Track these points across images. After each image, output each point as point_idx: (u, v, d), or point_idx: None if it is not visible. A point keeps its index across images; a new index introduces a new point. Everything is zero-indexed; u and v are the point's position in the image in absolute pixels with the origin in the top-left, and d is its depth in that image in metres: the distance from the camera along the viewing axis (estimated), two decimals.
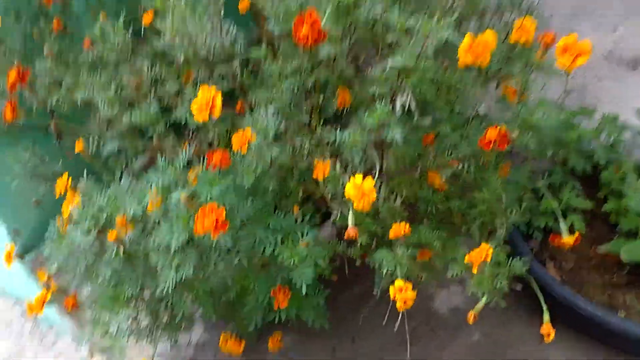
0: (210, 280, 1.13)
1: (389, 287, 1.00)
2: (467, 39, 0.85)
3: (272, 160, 1.08)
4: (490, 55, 0.87)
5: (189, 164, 1.08)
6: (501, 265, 1.00)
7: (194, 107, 0.92)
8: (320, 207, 1.23)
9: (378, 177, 1.10)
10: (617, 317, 1.26)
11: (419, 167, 1.08)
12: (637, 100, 1.80)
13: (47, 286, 1.21)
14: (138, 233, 1.07)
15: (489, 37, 0.85)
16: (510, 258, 1.02)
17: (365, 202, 0.87)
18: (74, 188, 1.14)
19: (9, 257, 1.24)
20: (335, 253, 1.17)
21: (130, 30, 1.22)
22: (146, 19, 1.17)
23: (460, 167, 1.03)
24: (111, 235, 0.96)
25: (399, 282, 0.92)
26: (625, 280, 1.39)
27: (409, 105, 0.95)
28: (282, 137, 1.16)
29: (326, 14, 0.96)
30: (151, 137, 1.17)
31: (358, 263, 1.18)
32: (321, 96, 1.23)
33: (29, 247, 1.65)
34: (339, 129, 1.38)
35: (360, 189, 0.87)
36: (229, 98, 1.28)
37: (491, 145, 0.92)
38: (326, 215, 1.19)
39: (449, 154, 1.03)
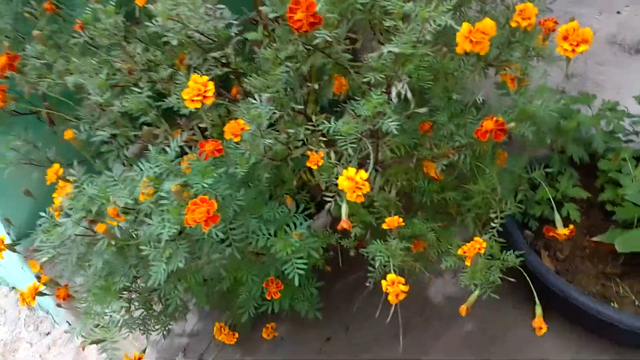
0: (203, 271, 1.12)
1: (382, 278, 1.00)
2: (465, 26, 0.82)
3: (266, 149, 1.07)
4: (490, 40, 0.85)
5: (182, 152, 1.07)
6: (495, 257, 0.99)
7: (185, 95, 0.90)
8: (315, 195, 1.22)
9: (373, 167, 1.08)
10: (610, 308, 1.26)
11: (414, 157, 1.06)
12: (639, 86, 1.78)
13: (39, 276, 1.20)
14: (129, 223, 1.06)
15: (488, 24, 0.82)
16: (504, 251, 1.00)
17: (359, 193, 0.86)
18: (65, 177, 1.12)
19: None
20: (330, 244, 1.16)
21: (123, 13, 1.19)
22: (139, 0, 1.14)
23: (456, 157, 1.01)
24: (100, 228, 0.95)
25: (391, 276, 0.91)
26: (620, 270, 1.39)
27: (405, 93, 0.93)
28: (277, 125, 1.14)
29: None
30: (143, 124, 1.15)
31: (352, 253, 1.17)
32: (317, 82, 1.21)
33: (22, 235, 1.64)
34: (335, 116, 1.37)
35: (353, 181, 0.85)
36: (224, 83, 1.26)
37: (487, 136, 0.90)
38: (321, 204, 1.18)
39: (445, 143, 1.01)
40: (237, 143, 0.99)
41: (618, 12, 2.16)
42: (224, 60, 1.14)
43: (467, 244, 0.92)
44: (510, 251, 1.02)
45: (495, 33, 1.02)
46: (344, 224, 0.95)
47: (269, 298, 1.11)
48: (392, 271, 0.97)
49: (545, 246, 1.46)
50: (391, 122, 0.92)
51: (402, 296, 0.91)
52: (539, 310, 0.98)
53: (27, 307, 1.91)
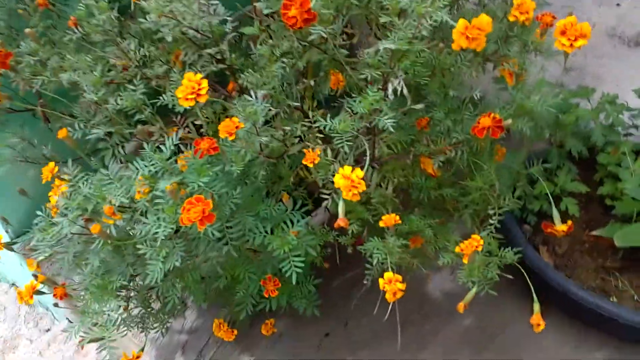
0: (200, 269, 1.12)
1: (380, 275, 0.99)
2: (461, 22, 0.81)
3: (262, 147, 1.06)
4: (488, 36, 0.84)
5: (178, 150, 1.06)
6: (492, 254, 0.98)
7: (179, 93, 0.89)
8: (313, 192, 1.21)
9: (370, 164, 1.08)
10: (609, 303, 1.26)
11: (411, 153, 1.06)
12: (639, 79, 1.76)
13: (37, 275, 1.20)
14: (126, 222, 1.06)
15: (484, 20, 0.81)
16: (502, 248, 1.00)
17: (355, 192, 0.85)
18: (60, 175, 1.12)
19: None
20: (327, 241, 1.15)
21: (116, 9, 1.18)
22: None
23: (453, 153, 1.01)
24: (94, 229, 0.94)
25: (388, 274, 0.90)
26: (619, 264, 1.39)
27: (402, 90, 0.92)
28: (273, 122, 1.13)
29: None
30: (138, 122, 1.14)
31: (350, 251, 1.16)
32: (314, 78, 1.20)
33: (20, 232, 1.64)
34: (332, 112, 1.36)
35: (349, 179, 0.85)
36: (220, 78, 1.25)
37: (484, 133, 0.90)
38: (319, 200, 1.18)
39: (442, 140, 1.01)
40: (232, 141, 0.98)
41: (618, 5, 2.14)
42: (218, 57, 1.13)
43: (465, 241, 0.92)
44: (509, 248, 1.01)
45: (492, 29, 1.01)
46: (341, 222, 0.94)
47: (266, 296, 1.11)
48: (389, 269, 0.97)
49: (544, 241, 1.46)
50: (387, 119, 0.91)
51: (399, 294, 0.91)
52: (536, 307, 0.98)
53: (26, 304, 1.91)
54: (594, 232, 1.41)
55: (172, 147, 1.01)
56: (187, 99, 0.88)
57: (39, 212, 1.14)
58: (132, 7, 1.19)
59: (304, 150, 0.99)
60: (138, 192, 1.01)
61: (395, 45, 0.86)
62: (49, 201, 1.10)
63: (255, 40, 1.15)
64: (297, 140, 1.11)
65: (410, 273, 1.16)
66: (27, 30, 1.12)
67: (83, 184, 1.07)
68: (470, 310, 1.06)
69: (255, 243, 1.04)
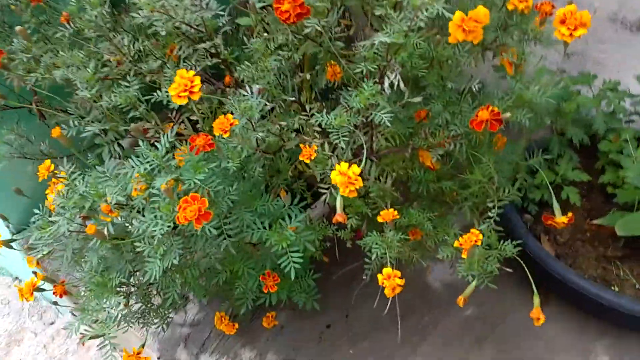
0: (199, 265, 1.11)
1: (380, 268, 0.99)
2: (458, 15, 0.79)
3: (259, 142, 1.05)
4: (487, 24, 0.82)
5: (174, 146, 1.05)
6: (492, 247, 0.98)
7: (172, 91, 0.88)
8: (312, 184, 1.21)
9: (368, 157, 1.06)
10: (609, 292, 1.25)
11: (410, 146, 1.04)
12: None
13: (37, 272, 1.20)
14: (124, 218, 1.05)
15: (481, 12, 0.79)
16: (502, 241, 0.99)
17: (352, 189, 0.84)
18: (57, 173, 1.11)
19: None
20: (326, 235, 1.15)
21: (110, 3, 1.16)
22: None
23: (452, 146, 0.99)
24: (90, 229, 0.94)
25: (387, 270, 0.90)
26: (620, 253, 1.38)
27: (398, 84, 0.91)
28: (269, 116, 1.12)
29: None
30: (133, 119, 1.13)
31: (349, 245, 1.16)
32: (310, 71, 1.18)
33: (21, 227, 1.64)
34: (330, 103, 1.34)
35: (346, 176, 0.84)
36: (217, 72, 1.24)
37: (483, 126, 0.88)
38: (319, 193, 1.17)
39: (440, 133, 0.99)
40: (228, 137, 0.97)
41: None
42: (213, 51, 1.11)
43: (464, 235, 0.91)
44: (509, 240, 1.00)
45: (490, 18, 0.99)
46: (339, 217, 0.93)
47: (265, 291, 1.11)
48: (388, 263, 0.96)
49: (545, 230, 1.45)
50: (384, 113, 0.90)
51: (398, 290, 0.90)
52: (537, 300, 0.98)
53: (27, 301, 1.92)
54: (596, 221, 1.41)
55: (167, 145, 1.00)
56: (179, 97, 0.87)
57: (36, 210, 1.14)
58: (127, 0, 1.17)
59: (301, 146, 0.98)
60: (135, 190, 1.00)
61: (391, 39, 0.84)
62: (44, 202, 1.10)
63: (252, 31, 1.13)
64: (294, 134, 1.10)
65: (410, 267, 1.15)
66: (17, 28, 1.10)
67: (79, 182, 1.06)
68: (471, 300, 1.05)
69: (253, 239, 1.04)
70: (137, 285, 1.22)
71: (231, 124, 0.91)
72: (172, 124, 1.18)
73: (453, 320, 1.45)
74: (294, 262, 1.02)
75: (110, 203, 1.01)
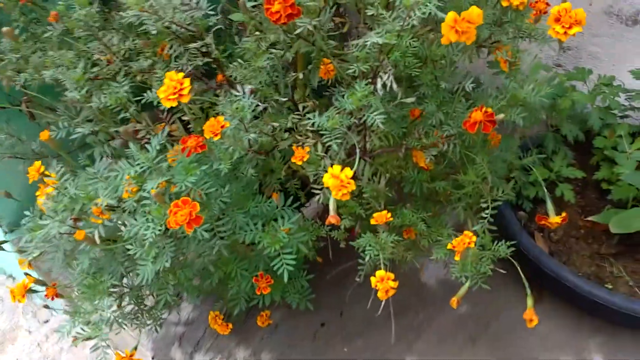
0: (192, 267, 1.10)
1: (374, 268, 0.98)
2: (450, 15, 0.78)
3: (251, 143, 1.04)
4: (481, 22, 0.81)
5: (165, 146, 1.04)
6: (486, 248, 0.97)
7: (161, 93, 0.86)
8: (307, 183, 1.20)
9: (361, 157, 1.05)
10: (603, 290, 1.25)
11: (403, 146, 1.03)
12: (636, 59, 1.73)
13: (29, 274, 1.19)
14: (114, 222, 1.04)
15: (474, 12, 0.78)
16: (496, 242, 0.99)
17: (345, 192, 0.83)
18: (47, 174, 1.10)
19: None
20: (319, 236, 1.14)
21: (98, 2, 1.14)
22: None
23: (445, 146, 0.98)
24: (79, 235, 0.93)
25: (380, 272, 0.89)
26: (614, 250, 1.38)
27: (391, 85, 0.89)
28: (261, 117, 1.10)
29: None
30: (124, 120, 1.12)
31: (343, 245, 1.15)
32: (304, 69, 1.17)
33: (13, 225, 1.63)
34: (324, 100, 1.33)
35: (338, 179, 0.83)
36: (209, 69, 1.22)
37: (476, 127, 0.87)
38: (312, 191, 1.16)
39: (434, 133, 0.98)
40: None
41: None
42: (204, 50, 1.10)
43: (457, 237, 0.90)
44: (503, 240, 1.00)
45: (485, 14, 0.98)
46: (332, 219, 0.93)
47: (258, 293, 1.10)
48: (382, 265, 0.96)
49: (539, 227, 1.45)
50: (377, 115, 0.89)
51: (391, 292, 0.90)
52: (530, 301, 0.97)
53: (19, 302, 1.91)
54: (590, 218, 1.40)
55: (158, 147, 0.98)
56: (169, 99, 0.85)
57: (27, 212, 1.13)
58: (114, 2, 1.15)
59: (293, 148, 0.97)
60: (126, 192, 0.99)
61: (383, 39, 0.83)
62: (34, 204, 1.08)
63: (245, 26, 1.11)
64: (287, 134, 1.09)
65: (404, 267, 1.15)
66: (4, 29, 1.08)
67: (70, 184, 1.05)
68: (465, 297, 1.05)
69: (246, 241, 1.03)
70: (130, 286, 1.21)
71: (222, 127, 0.89)
72: (163, 124, 1.16)
73: (447, 317, 1.45)
74: (287, 264, 1.01)
75: (101, 205, 1.00)
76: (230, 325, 1.29)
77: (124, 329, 1.19)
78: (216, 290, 1.28)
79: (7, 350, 1.83)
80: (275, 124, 1.03)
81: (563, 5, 0.90)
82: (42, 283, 1.14)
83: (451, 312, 1.47)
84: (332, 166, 0.84)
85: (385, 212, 0.93)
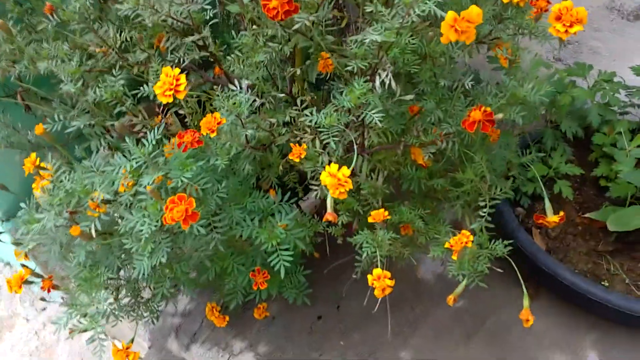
0: (189, 262, 1.10)
1: (371, 264, 0.99)
2: (450, 15, 0.77)
3: (248, 139, 1.03)
4: (481, 22, 0.80)
5: (161, 139, 1.03)
6: (483, 247, 0.97)
7: (157, 89, 0.85)
8: (305, 176, 1.19)
9: (360, 154, 1.05)
10: (599, 288, 1.25)
11: (402, 144, 1.03)
12: (637, 55, 1.72)
13: (25, 265, 1.19)
14: (110, 215, 1.04)
15: (474, 11, 0.77)
16: (493, 240, 0.99)
17: (342, 190, 0.83)
18: (43, 166, 1.09)
19: None
20: (317, 231, 1.14)
21: None
22: None
23: (444, 144, 0.98)
24: (74, 231, 0.92)
25: (377, 271, 0.89)
26: (611, 247, 1.38)
27: (390, 82, 0.89)
28: (259, 112, 1.10)
29: None
30: (120, 114, 1.11)
31: (340, 241, 1.15)
32: (302, 64, 1.16)
33: (10, 214, 1.63)
34: (322, 95, 1.32)
35: (335, 178, 0.82)
36: (205, 61, 1.21)
37: (475, 126, 0.87)
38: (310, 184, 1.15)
39: (432, 130, 0.98)
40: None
41: None
42: (201, 43, 1.08)
43: (454, 237, 0.90)
44: (500, 238, 1.00)
45: (485, 11, 0.97)
46: (329, 216, 0.92)
47: (255, 288, 1.10)
48: (379, 262, 0.96)
49: (537, 224, 1.45)
50: (375, 113, 0.88)
51: (388, 291, 0.90)
52: (526, 301, 0.97)
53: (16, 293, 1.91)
54: (588, 215, 1.40)
55: (154, 141, 0.98)
56: (165, 95, 0.85)
57: (23, 205, 1.12)
58: None
59: (291, 145, 0.96)
60: (122, 186, 0.99)
61: (382, 37, 0.82)
62: (30, 197, 1.08)
63: (243, 18, 1.10)
64: (284, 130, 1.08)
65: (402, 263, 1.15)
66: None
67: (65, 177, 1.04)
68: (462, 293, 1.05)
69: (243, 236, 1.03)
70: (127, 279, 1.21)
71: (219, 123, 0.89)
72: (159, 117, 1.16)
73: (444, 312, 1.45)
74: (284, 260, 1.01)
75: (97, 199, 1.00)
76: (227, 318, 1.30)
77: (121, 321, 1.20)
78: (213, 284, 1.29)
79: (4, 338, 1.84)
80: (273, 120, 1.02)
81: (564, 3, 0.89)
82: (39, 276, 1.14)
83: (447, 308, 1.46)
84: (329, 163, 0.83)
85: (382, 210, 0.93)
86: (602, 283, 1.31)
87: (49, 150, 1.31)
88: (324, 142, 1.00)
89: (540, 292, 1.42)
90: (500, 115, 0.86)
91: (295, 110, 1.09)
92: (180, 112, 1.12)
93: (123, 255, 1.13)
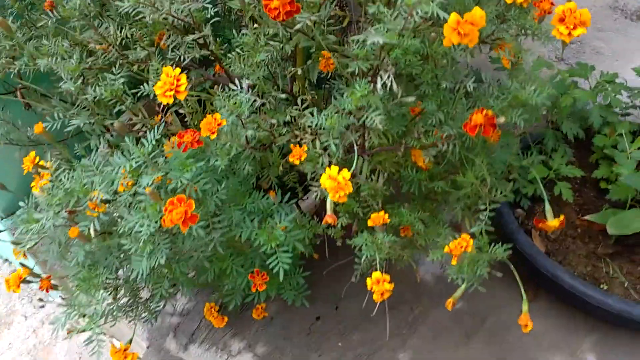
0: (188, 262, 1.10)
1: (370, 266, 0.98)
2: (453, 17, 0.76)
3: (249, 139, 1.02)
4: (484, 25, 0.79)
5: (162, 139, 1.02)
6: (483, 250, 0.97)
7: (158, 90, 0.85)
8: (305, 175, 1.19)
9: (360, 155, 1.04)
10: (598, 291, 1.25)
11: (402, 145, 1.02)
12: (639, 54, 1.71)
13: (24, 264, 1.19)
14: (109, 215, 1.03)
15: (477, 14, 0.76)
16: (492, 244, 0.98)
17: (342, 194, 0.82)
18: (42, 165, 1.08)
19: None
20: (316, 233, 1.14)
21: None
22: None
23: (445, 146, 0.97)
24: (72, 233, 0.92)
25: (376, 274, 0.89)
26: (611, 250, 1.38)
27: (391, 84, 0.88)
28: (259, 111, 1.09)
29: None
30: (119, 112, 1.10)
31: (339, 243, 1.15)
32: (303, 63, 1.15)
33: (10, 210, 1.62)
34: (323, 93, 1.31)
35: (335, 181, 0.82)
36: (205, 58, 1.20)
37: (477, 130, 0.86)
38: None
39: (433, 133, 0.97)
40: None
41: None
42: (202, 42, 1.08)
43: (454, 241, 0.89)
44: (500, 238, 1.00)
45: (488, 11, 0.96)
46: (329, 218, 0.92)
47: (254, 290, 1.10)
48: (378, 265, 0.95)
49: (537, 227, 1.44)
50: (376, 115, 0.87)
51: (387, 295, 0.90)
52: (525, 306, 0.97)
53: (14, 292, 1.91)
54: (587, 217, 1.40)
55: (154, 142, 0.97)
56: (165, 96, 0.84)
57: (22, 204, 1.12)
58: None
59: (291, 146, 0.95)
60: (121, 185, 0.98)
61: (384, 39, 0.81)
62: (29, 195, 1.08)
63: (244, 14, 1.09)
64: (285, 130, 1.08)
65: (401, 265, 1.15)
66: None
67: (65, 176, 1.04)
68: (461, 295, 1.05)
69: (242, 238, 1.02)
70: (125, 279, 1.21)
71: (219, 125, 0.88)
72: (159, 115, 1.15)
73: (443, 313, 1.45)
74: (283, 263, 1.01)
75: (97, 198, 0.99)
76: (226, 318, 1.29)
77: (119, 322, 1.19)
78: (212, 284, 1.28)
79: (2, 335, 1.84)
80: (273, 121, 1.01)
81: (568, 5, 0.89)
82: (37, 275, 1.13)
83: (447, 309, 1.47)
84: (330, 164, 0.83)
85: (382, 212, 0.92)
86: (601, 286, 1.31)
87: (48, 147, 1.31)
88: (324, 143, 0.99)
89: (540, 293, 1.42)
90: (502, 119, 0.85)
91: (296, 109, 1.09)
92: (181, 111, 1.11)
93: (122, 255, 1.12)
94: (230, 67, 1.07)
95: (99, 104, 1.13)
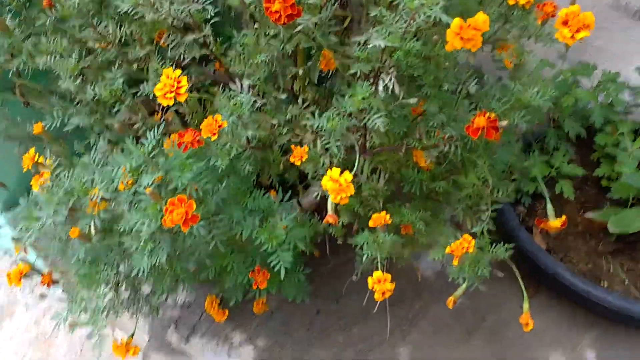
0: (189, 260, 1.10)
1: (371, 264, 0.98)
2: (456, 22, 0.76)
3: (249, 139, 1.02)
4: (487, 29, 0.79)
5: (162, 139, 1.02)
6: (484, 250, 0.97)
7: (158, 91, 0.84)
8: (307, 173, 1.19)
9: (361, 155, 1.04)
10: (598, 289, 1.26)
11: (404, 145, 1.02)
12: None
13: (24, 259, 1.19)
14: (110, 213, 1.04)
15: (481, 18, 0.76)
16: (494, 244, 0.98)
17: (343, 196, 0.82)
18: (41, 162, 1.08)
19: None
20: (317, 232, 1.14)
21: None
22: None
23: (447, 147, 0.97)
24: (73, 233, 0.92)
25: (377, 273, 0.89)
26: (612, 248, 1.38)
27: (393, 86, 0.87)
28: (260, 111, 1.08)
29: None
30: (118, 112, 1.10)
31: (340, 242, 1.15)
32: (304, 63, 1.14)
33: (11, 203, 1.63)
34: (324, 92, 1.30)
35: (337, 183, 0.82)
36: (205, 56, 1.19)
37: (479, 133, 0.86)
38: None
39: (435, 134, 0.97)
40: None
41: None
42: (201, 41, 1.07)
43: (455, 242, 0.90)
44: (501, 235, 1.00)
45: (491, 12, 0.95)
46: (330, 218, 0.92)
47: (255, 287, 1.10)
48: (379, 264, 0.96)
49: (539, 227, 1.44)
50: (377, 117, 0.87)
51: (388, 294, 0.90)
52: (526, 305, 0.98)
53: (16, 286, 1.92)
54: (588, 215, 1.40)
55: (154, 142, 0.97)
56: (165, 97, 0.84)
57: (21, 201, 1.12)
58: None
59: (292, 147, 0.95)
60: (122, 184, 0.98)
61: (386, 42, 0.80)
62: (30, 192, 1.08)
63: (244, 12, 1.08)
64: (285, 129, 1.07)
65: (402, 263, 1.15)
66: None
67: (64, 175, 1.04)
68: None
69: (243, 236, 1.03)
70: (126, 274, 1.21)
71: (219, 126, 0.88)
72: (159, 114, 1.15)
73: (444, 309, 1.45)
74: (284, 261, 1.01)
75: (97, 197, 0.99)
76: (227, 312, 1.30)
77: (119, 317, 1.20)
78: (213, 279, 1.29)
79: (3, 326, 1.85)
80: (274, 121, 1.01)
81: (572, 8, 0.88)
82: (38, 271, 1.14)
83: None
84: (331, 164, 0.82)
85: (384, 213, 0.92)
86: (601, 284, 1.32)
87: (47, 144, 1.31)
88: (325, 145, 0.99)
89: (541, 290, 1.43)
90: (505, 122, 0.85)
91: (297, 108, 1.08)
92: (181, 110, 1.11)
93: (123, 252, 1.13)
94: (230, 66, 1.06)
95: (98, 101, 1.13)
